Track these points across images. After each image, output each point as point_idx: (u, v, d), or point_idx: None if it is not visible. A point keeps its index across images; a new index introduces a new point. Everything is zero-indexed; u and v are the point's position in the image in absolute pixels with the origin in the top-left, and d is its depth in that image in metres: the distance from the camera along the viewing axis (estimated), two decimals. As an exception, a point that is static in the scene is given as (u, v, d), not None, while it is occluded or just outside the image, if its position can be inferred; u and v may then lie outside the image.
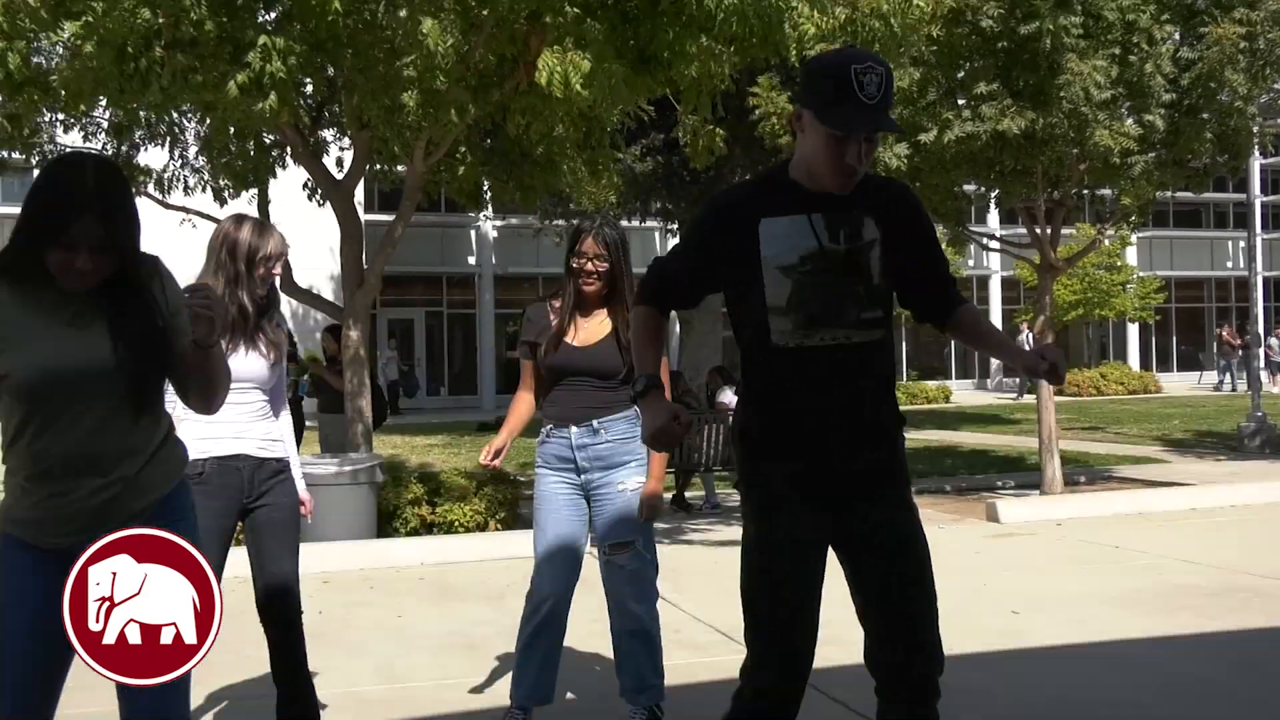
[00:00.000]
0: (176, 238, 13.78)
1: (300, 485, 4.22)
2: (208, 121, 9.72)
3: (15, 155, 10.63)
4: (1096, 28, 10.14)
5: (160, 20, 7.03)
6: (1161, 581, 7.36)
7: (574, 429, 4.36)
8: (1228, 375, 32.82)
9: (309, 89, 9.49)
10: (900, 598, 2.97)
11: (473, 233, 32.16)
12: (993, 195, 12.88)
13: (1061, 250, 12.75)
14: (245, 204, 11.00)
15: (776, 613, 2.99)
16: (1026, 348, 3.23)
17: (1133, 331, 38.96)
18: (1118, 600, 6.80)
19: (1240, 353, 32.59)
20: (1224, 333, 33.49)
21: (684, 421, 2.99)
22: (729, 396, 11.60)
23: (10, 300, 2.64)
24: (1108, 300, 31.84)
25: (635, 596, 4.36)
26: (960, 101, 10.69)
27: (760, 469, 3.05)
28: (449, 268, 32.54)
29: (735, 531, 9.72)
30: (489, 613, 6.77)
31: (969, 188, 12.49)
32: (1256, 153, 14.35)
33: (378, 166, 10.63)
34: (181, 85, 7.37)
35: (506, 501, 9.73)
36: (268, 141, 10.24)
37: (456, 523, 9.36)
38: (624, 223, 22.04)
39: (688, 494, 11.54)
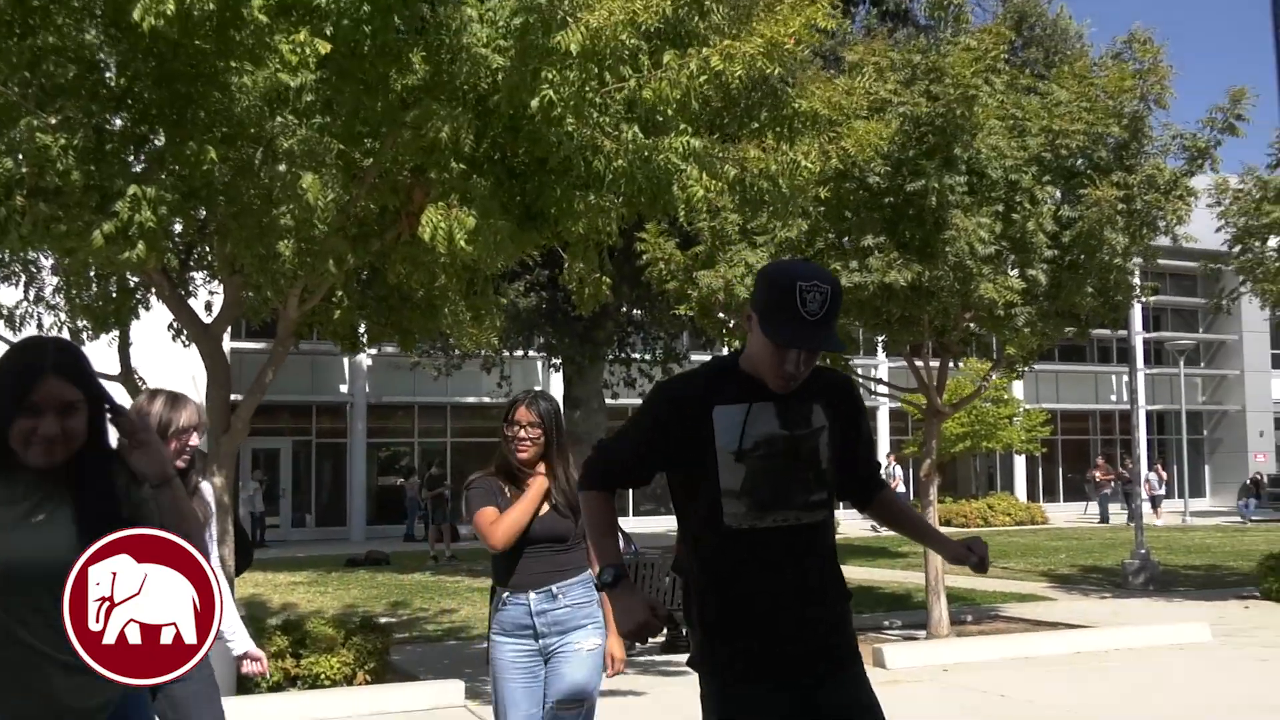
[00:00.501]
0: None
1: (246, 640, 4.52)
2: (66, 261, 9.58)
3: None
4: (981, 185, 10.69)
5: (23, 170, 6.96)
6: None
7: (532, 595, 4.55)
8: (1105, 507, 34.06)
9: (178, 229, 9.43)
10: None
11: (345, 361, 31.93)
12: (879, 340, 13.32)
13: (948, 391, 13.19)
14: (105, 345, 10.80)
15: None
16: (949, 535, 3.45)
17: (1019, 463, 40.16)
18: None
19: (1111, 486, 34.02)
20: (1097, 472, 34.83)
21: (661, 615, 3.21)
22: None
23: None
24: (995, 433, 32.82)
25: None
26: (848, 249, 11.11)
27: (719, 652, 3.19)
28: (319, 396, 32.20)
29: (614, 681, 9.69)
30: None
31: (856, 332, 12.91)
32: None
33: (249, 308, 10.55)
34: (43, 233, 7.28)
35: (376, 651, 9.61)
36: (131, 284, 10.10)
37: (323, 675, 9.19)
38: (505, 355, 22.14)
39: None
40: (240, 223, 8.10)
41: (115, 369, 10.33)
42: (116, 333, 10.42)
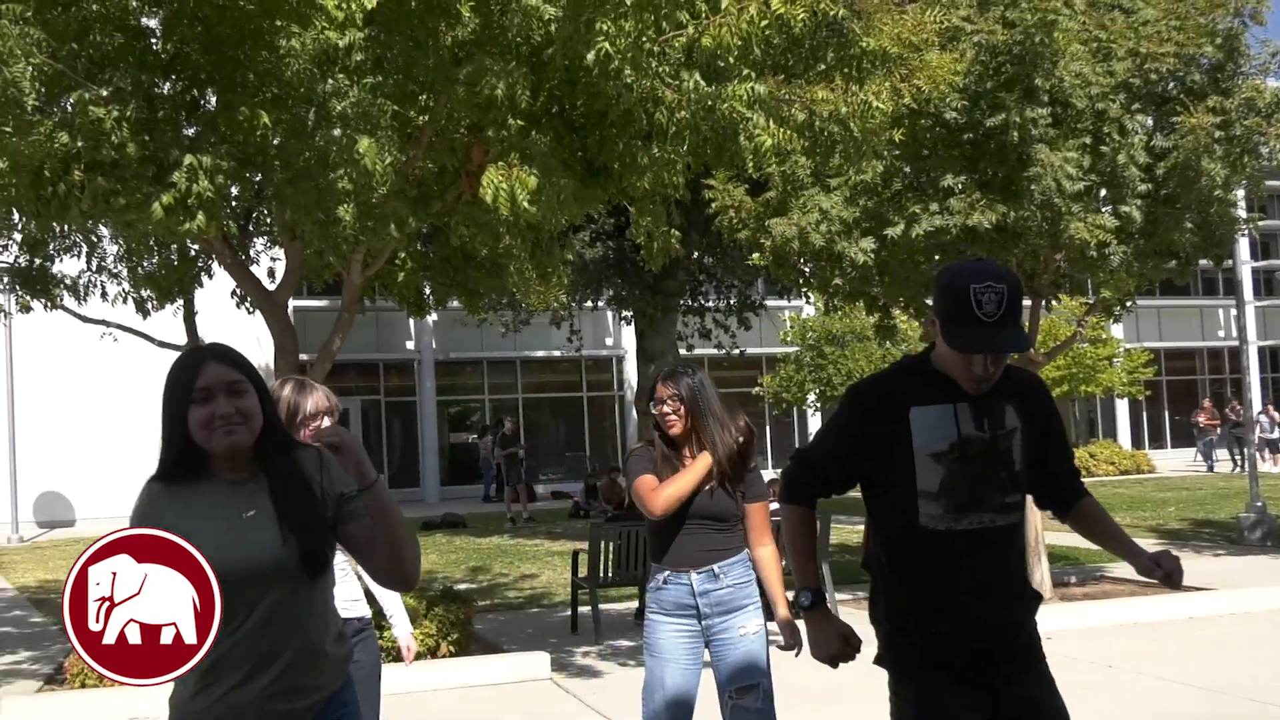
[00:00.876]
0: (97, 352, 13.90)
1: (405, 629, 4.85)
2: (126, 232, 9.85)
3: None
4: (1065, 116, 10.50)
5: (79, 144, 7.16)
6: (1159, 709, 7.51)
7: (694, 574, 4.66)
8: (1211, 455, 32.96)
9: (235, 194, 9.65)
10: None
11: (410, 318, 32.31)
12: (965, 285, 13.19)
13: (1041, 334, 13.05)
14: (170, 315, 11.11)
15: None
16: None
17: (1122, 408, 39.43)
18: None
19: (1218, 431, 32.94)
20: (1201, 416, 33.82)
21: (855, 644, 3.37)
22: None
23: (171, 504, 2.89)
24: (1094, 376, 32.25)
25: None
26: (927, 191, 11.02)
27: (910, 648, 3.34)
28: (386, 354, 32.62)
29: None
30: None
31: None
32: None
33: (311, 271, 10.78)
34: (103, 208, 7.50)
35: (459, 621, 9.67)
36: (192, 252, 10.36)
37: (406, 648, 9.34)
38: (574, 308, 22.28)
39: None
40: (297, 188, 8.27)
41: (182, 338, 10.63)
42: (181, 302, 10.70)
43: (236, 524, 2.89)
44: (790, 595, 3.63)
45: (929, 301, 12.91)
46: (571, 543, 15.99)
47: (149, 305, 10.95)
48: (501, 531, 21.32)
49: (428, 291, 11.32)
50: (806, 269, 12.36)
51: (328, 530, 2.96)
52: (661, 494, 4.61)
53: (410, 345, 32.98)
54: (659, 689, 4.65)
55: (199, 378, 2.87)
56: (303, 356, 10.41)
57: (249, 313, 11.50)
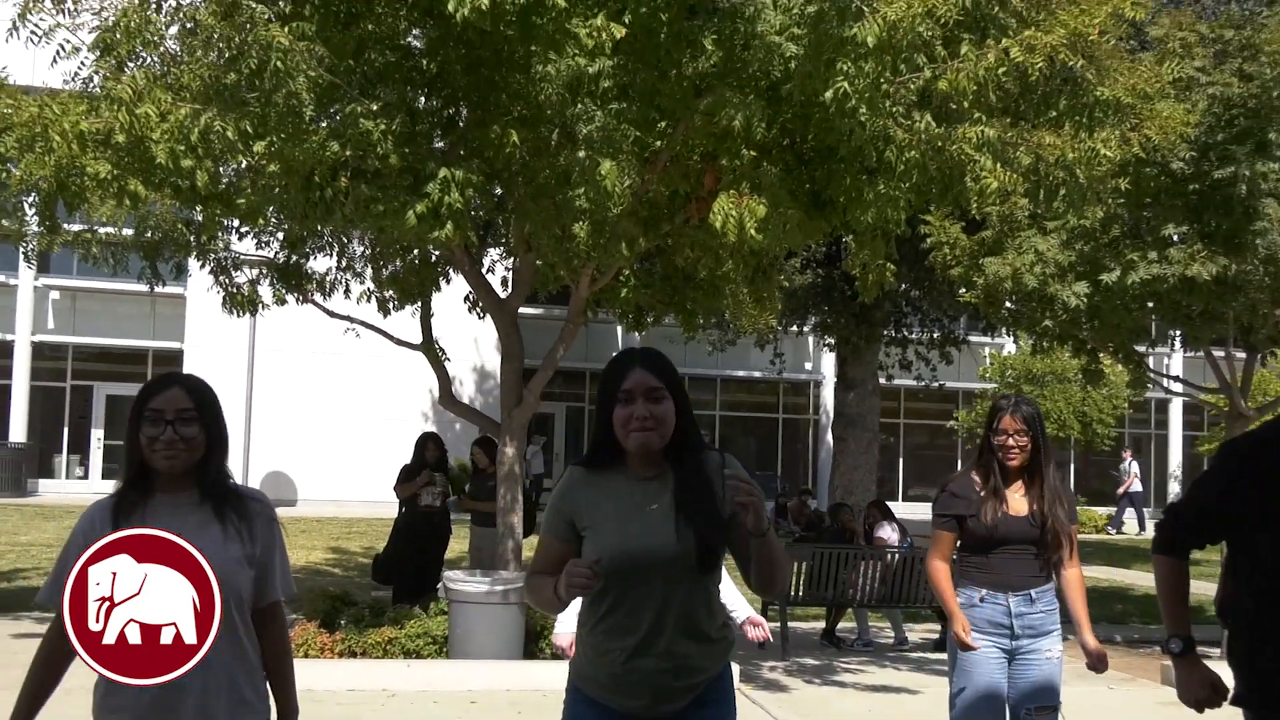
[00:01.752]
0: (341, 346, 14.59)
1: (746, 606, 4.99)
2: (373, 236, 10.36)
3: (193, 260, 11.44)
4: (1297, 172, 10.14)
5: (348, 153, 7.60)
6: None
7: (1012, 597, 4.82)
8: None
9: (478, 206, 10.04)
10: None
11: (619, 329, 32.82)
12: (1176, 334, 12.81)
13: (1254, 388, 12.57)
14: (408, 315, 11.62)
15: None
16: None
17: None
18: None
19: None
20: None
21: (1222, 692, 3.45)
22: (887, 532, 11.73)
23: (588, 488, 3.19)
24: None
25: None
26: (1146, 239, 10.76)
27: (1272, 694, 3.34)
28: (593, 363, 33.15)
29: (887, 675, 9.75)
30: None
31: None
32: None
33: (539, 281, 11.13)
34: (363, 213, 7.93)
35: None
36: (433, 257, 10.82)
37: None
38: (780, 332, 22.32)
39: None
40: (537, 203, 8.59)
41: (417, 338, 11.11)
42: (419, 303, 11.17)
43: (641, 515, 3.12)
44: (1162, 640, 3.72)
45: (1138, 348, 12.62)
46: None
47: (390, 305, 11.45)
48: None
49: (646, 307, 11.56)
50: (1016, 308, 12.19)
51: (723, 530, 3.16)
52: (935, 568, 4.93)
53: (616, 356, 33.46)
54: (974, 700, 4.80)
55: (625, 380, 3.13)
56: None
57: (479, 317, 11.93)
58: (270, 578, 3.12)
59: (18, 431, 27.95)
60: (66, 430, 29.02)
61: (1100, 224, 10.88)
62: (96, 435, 29.05)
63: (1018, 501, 4.85)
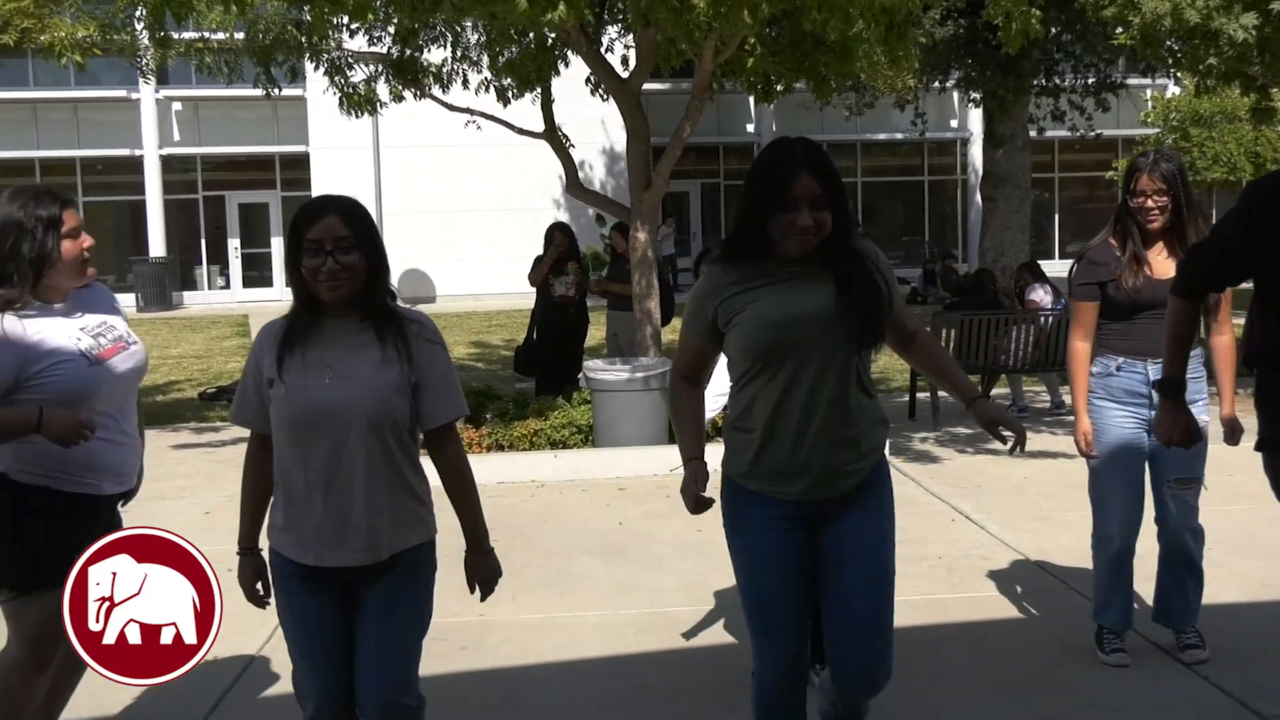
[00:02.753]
0: (464, 139, 14.62)
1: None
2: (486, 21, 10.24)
3: (308, 62, 11.51)
4: None
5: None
6: None
7: (1151, 364, 4.62)
8: None
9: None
10: None
11: (750, 100, 32.19)
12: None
13: None
14: (529, 103, 11.57)
15: None
16: None
17: None
18: None
19: None
20: None
21: (1195, 436, 3.81)
22: (1039, 294, 11.55)
23: (730, 279, 3.21)
24: None
25: (1192, 533, 4.78)
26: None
27: None
28: (726, 137, 32.74)
29: (1044, 440, 9.75)
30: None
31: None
32: None
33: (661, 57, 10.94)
34: (472, 1, 7.85)
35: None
36: (550, 40, 10.69)
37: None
38: (921, 91, 21.68)
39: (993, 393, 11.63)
40: (652, -27, 8.37)
41: (540, 126, 11.09)
42: (539, 90, 11.10)
43: (794, 290, 3.15)
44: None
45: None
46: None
47: (509, 93, 11.40)
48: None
49: (775, 76, 11.30)
50: (1176, 47, 11.62)
51: (881, 302, 3.21)
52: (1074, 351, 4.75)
53: (750, 128, 32.96)
54: (1109, 471, 4.72)
55: (791, 185, 3.06)
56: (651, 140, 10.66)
57: (602, 99, 11.83)
58: (433, 400, 3.15)
59: (157, 246, 28.98)
60: (204, 242, 29.98)
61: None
62: (233, 245, 29.97)
63: (1162, 264, 4.60)
